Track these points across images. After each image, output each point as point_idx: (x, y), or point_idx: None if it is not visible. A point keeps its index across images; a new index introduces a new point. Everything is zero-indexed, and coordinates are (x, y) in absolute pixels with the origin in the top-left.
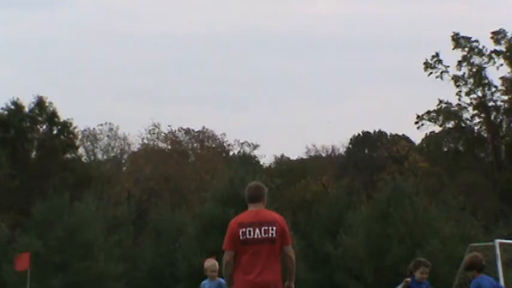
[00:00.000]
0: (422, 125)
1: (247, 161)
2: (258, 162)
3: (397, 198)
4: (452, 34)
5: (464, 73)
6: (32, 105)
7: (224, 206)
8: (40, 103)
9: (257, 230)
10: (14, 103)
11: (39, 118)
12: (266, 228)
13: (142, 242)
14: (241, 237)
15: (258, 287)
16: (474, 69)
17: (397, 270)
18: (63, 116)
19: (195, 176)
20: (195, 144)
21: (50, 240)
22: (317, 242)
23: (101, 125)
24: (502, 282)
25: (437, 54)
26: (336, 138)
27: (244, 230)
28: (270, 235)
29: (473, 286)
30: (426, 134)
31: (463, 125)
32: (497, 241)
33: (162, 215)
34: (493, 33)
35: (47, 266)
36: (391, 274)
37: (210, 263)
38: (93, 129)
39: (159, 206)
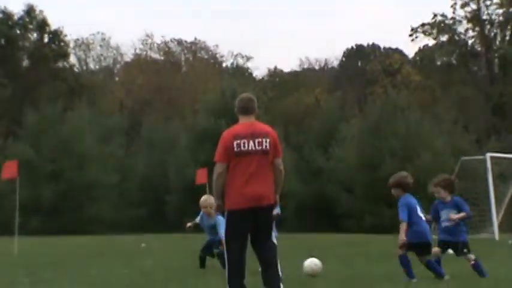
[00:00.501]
0: (416, 37)
1: (240, 73)
2: (251, 74)
3: (390, 112)
4: None
5: None
6: (22, 12)
7: (216, 117)
8: (30, 11)
9: (251, 142)
10: (3, 11)
11: (30, 26)
12: (260, 140)
13: (134, 153)
14: (235, 149)
15: (252, 199)
16: None
17: (388, 184)
18: (54, 25)
19: (187, 88)
20: (187, 55)
21: (42, 149)
22: (309, 155)
23: (93, 34)
24: (492, 195)
25: None
26: (329, 51)
27: (238, 141)
28: (264, 147)
29: (402, 203)
30: (420, 47)
31: (457, 38)
32: (488, 155)
33: (155, 126)
34: None
35: (39, 175)
36: (383, 187)
37: (203, 198)
38: (86, 38)
39: (152, 117)
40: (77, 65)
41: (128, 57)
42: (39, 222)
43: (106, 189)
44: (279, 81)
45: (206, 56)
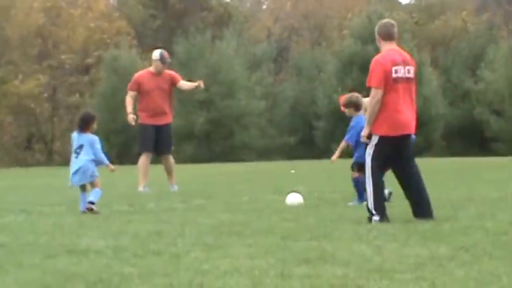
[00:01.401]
0: None
1: None
2: None
3: None
4: None
5: None
6: None
7: (363, 43)
8: None
9: (403, 69)
10: None
11: None
12: (409, 68)
13: (282, 80)
14: (393, 75)
15: (404, 126)
16: None
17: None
18: None
19: (334, 14)
20: None
21: (193, 78)
22: (456, 78)
23: None
24: None
25: None
26: None
27: (396, 67)
28: (412, 75)
29: (355, 122)
30: None
31: None
32: None
33: (302, 53)
34: None
35: (192, 103)
36: None
37: None
38: None
39: (299, 44)
40: None
41: None
42: (192, 150)
43: (255, 117)
44: (425, 5)
45: None
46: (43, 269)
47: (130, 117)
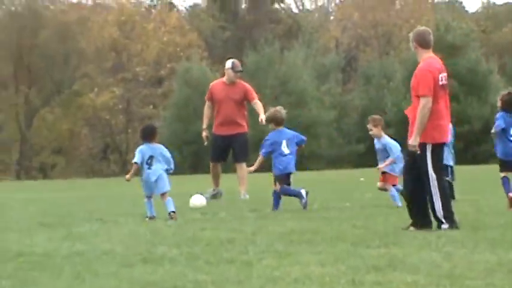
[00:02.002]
0: None
1: (453, 7)
2: (464, 7)
3: None
4: None
5: None
6: None
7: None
8: None
9: (444, 76)
10: None
11: None
12: (445, 74)
13: (350, 90)
14: (440, 82)
15: (447, 132)
16: None
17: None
18: None
19: (402, 23)
20: None
21: (263, 88)
22: None
23: None
24: None
25: None
26: None
27: (441, 75)
28: (446, 81)
29: (269, 136)
30: None
31: None
32: None
33: (371, 62)
34: None
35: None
36: None
37: None
38: None
39: (367, 53)
40: (293, 6)
41: None
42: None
43: (324, 126)
44: (492, 12)
45: None
46: (119, 277)
47: (204, 136)
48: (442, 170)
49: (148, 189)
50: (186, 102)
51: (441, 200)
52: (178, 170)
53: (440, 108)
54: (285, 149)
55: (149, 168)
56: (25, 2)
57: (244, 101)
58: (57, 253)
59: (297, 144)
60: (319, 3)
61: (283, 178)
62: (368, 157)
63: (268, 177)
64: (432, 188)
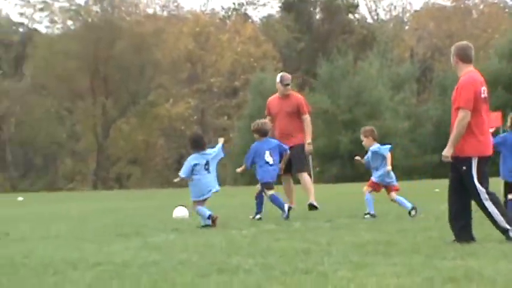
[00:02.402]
0: None
1: None
2: None
3: None
4: None
5: None
6: None
7: (508, 61)
8: None
9: (485, 89)
10: None
11: None
12: (485, 88)
13: (425, 100)
14: (482, 95)
15: (487, 148)
16: None
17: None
18: None
19: (479, 32)
20: (476, 1)
21: (337, 98)
22: None
23: None
24: None
25: None
26: None
27: (483, 88)
28: (487, 95)
29: (253, 146)
30: None
31: None
32: None
33: (446, 72)
34: None
35: (336, 123)
36: None
37: None
38: None
39: (443, 63)
40: (368, 16)
41: (418, 5)
42: (336, 170)
43: (399, 137)
44: None
45: (496, 0)
46: (195, 287)
47: None
48: (487, 182)
49: (206, 192)
50: (260, 113)
51: (498, 210)
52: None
53: (483, 121)
54: (269, 159)
55: (208, 172)
56: (101, 14)
57: (298, 113)
58: (134, 262)
59: (280, 153)
60: (394, 13)
61: (270, 185)
62: (443, 168)
63: (334, 188)
64: (484, 202)
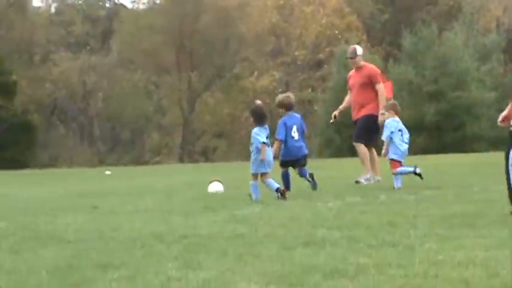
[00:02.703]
0: None
1: None
2: None
3: None
4: None
5: None
6: None
7: None
8: None
9: None
10: None
11: None
12: None
13: None
14: None
15: None
16: None
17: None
18: None
19: None
20: None
21: (422, 70)
22: None
23: None
24: None
25: None
26: None
27: None
28: None
29: (280, 123)
30: None
31: None
32: None
33: None
34: None
35: (421, 95)
36: None
37: None
38: None
39: None
40: None
41: None
42: (423, 141)
43: (486, 108)
44: None
45: None
46: (281, 260)
47: (332, 115)
48: None
49: (268, 166)
50: (344, 86)
51: None
52: (338, 152)
53: None
54: (295, 134)
55: (269, 146)
56: None
57: (371, 83)
58: (220, 235)
59: (303, 131)
60: None
61: (291, 163)
62: None
63: (427, 160)
64: None
